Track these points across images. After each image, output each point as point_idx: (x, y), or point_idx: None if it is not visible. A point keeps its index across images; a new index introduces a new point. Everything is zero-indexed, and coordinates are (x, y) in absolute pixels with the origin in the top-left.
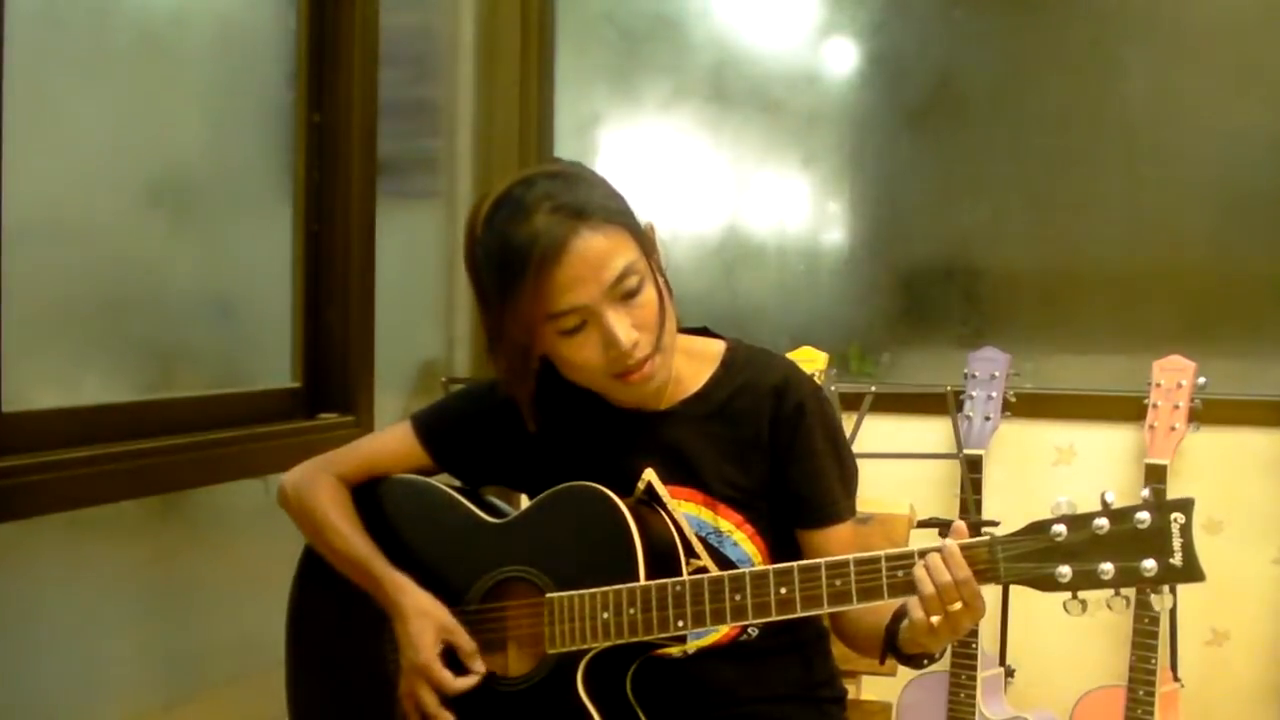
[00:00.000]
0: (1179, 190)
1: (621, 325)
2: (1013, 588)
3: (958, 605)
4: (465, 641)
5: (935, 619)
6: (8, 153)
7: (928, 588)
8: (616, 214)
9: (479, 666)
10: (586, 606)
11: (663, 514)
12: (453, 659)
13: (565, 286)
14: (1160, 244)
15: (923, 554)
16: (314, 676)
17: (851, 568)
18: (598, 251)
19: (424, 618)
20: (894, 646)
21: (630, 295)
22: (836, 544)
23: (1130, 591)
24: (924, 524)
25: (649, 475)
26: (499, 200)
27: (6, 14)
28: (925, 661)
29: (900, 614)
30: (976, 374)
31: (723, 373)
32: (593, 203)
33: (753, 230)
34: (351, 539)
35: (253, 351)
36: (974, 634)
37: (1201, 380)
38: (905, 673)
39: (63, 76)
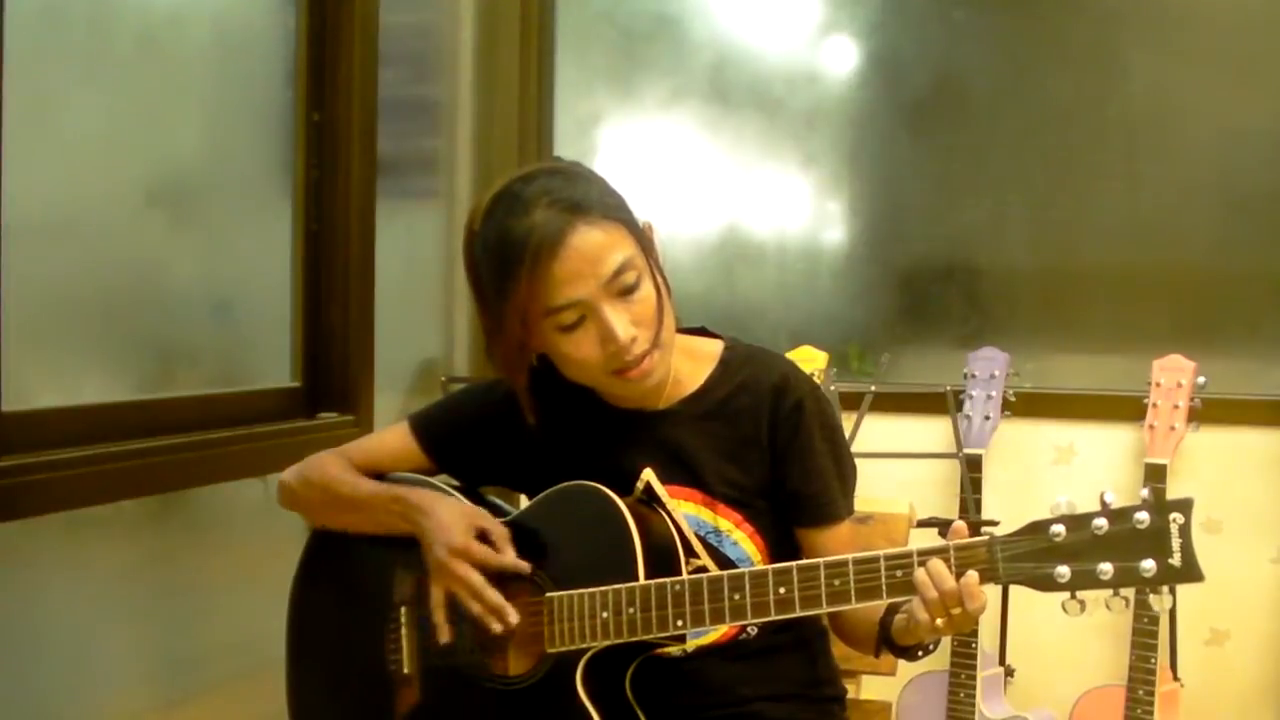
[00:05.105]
0: (1179, 190)
1: (619, 320)
2: (1012, 587)
3: (959, 610)
4: (497, 526)
5: (940, 621)
6: (7, 152)
7: (930, 593)
8: (614, 210)
9: (511, 552)
10: (586, 606)
11: (662, 513)
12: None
13: (562, 280)
14: (1160, 244)
15: (922, 554)
16: (314, 676)
17: (850, 568)
18: (595, 246)
19: (453, 508)
20: (888, 639)
21: (628, 291)
22: (835, 543)
23: (1129, 591)
24: (923, 523)
25: (648, 475)
26: (498, 195)
27: (6, 14)
28: (920, 653)
29: (894, 606)
30: (976, 374)
31: (721, 371)
32: (590, 198)
33: (752, 230)
34: (361, 482)
35: (253, 351)
36: (974, 634)
37: (1201, 380)
38: (905, 672)
39: (62, 76)
